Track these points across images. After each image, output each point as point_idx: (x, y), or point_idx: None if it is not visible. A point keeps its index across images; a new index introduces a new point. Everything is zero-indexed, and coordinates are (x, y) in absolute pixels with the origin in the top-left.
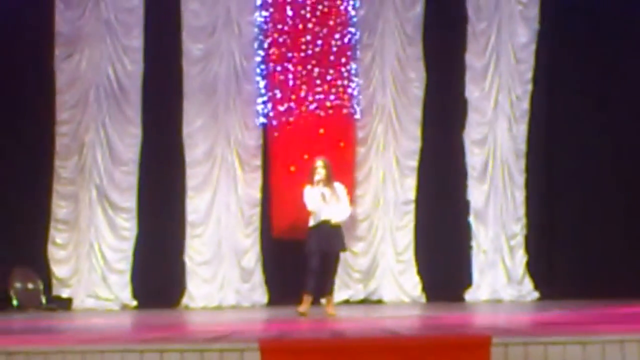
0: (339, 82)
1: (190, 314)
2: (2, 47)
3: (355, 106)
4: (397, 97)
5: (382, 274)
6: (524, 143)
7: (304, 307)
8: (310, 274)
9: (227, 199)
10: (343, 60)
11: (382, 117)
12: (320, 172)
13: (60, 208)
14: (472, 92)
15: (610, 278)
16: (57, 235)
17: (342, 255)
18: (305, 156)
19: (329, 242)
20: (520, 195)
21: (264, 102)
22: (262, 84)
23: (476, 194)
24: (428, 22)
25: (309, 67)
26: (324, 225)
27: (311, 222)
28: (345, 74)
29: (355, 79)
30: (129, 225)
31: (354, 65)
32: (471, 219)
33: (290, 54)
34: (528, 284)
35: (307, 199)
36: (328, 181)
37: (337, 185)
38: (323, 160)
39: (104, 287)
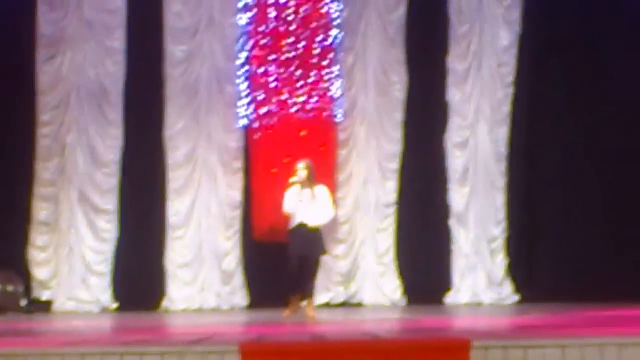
0: (321, 85)
1: (171, 317)
2: None
3: (337, 109)
4: (378, 100)
5: (362, 277)
6: (504, 146)
7: (288, 311)
8: (291, 279)
9: (208, 201)
10: (325, 62)
11: (363, 119)
12: (300, 174)
13: (40, 210)
14: (453, 95)
15: (590, 281)
16: (37, 238)
17: (322, 258)
18: (287, 159)
19: (307, 245)
20: (500, 198)
21: (246, 104)
22: (243, 86)
23: (457, 197)
24: (410, 25)
25: (291, 69)
26: (301, 228)
27: (290, 225)
28: (327, 77)
29: (337, 82)
30: (109, 227)
31: (335, 68)
32: (452, 222)
33: (272, 56)
34: (508, 287)
35: (284, 202)
36: (310, 183)
37: (320, 188)
38: (305, 162)
39: (84, 290)
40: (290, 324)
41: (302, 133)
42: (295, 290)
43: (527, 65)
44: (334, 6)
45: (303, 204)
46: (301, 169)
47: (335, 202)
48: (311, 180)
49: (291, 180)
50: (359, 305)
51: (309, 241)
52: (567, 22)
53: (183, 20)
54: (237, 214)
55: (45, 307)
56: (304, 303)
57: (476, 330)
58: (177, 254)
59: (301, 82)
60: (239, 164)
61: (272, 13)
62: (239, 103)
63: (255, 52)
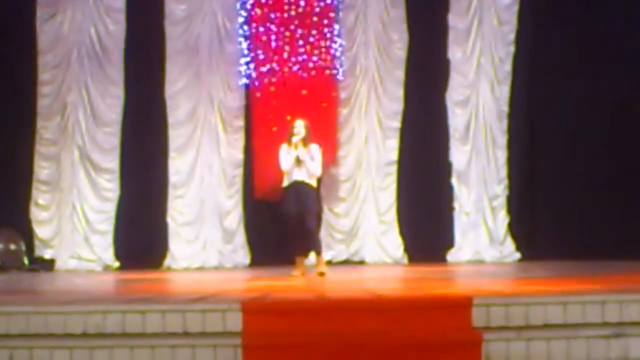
0: (322, 43)
1: (173, 275)
2: None
3: (338, 67)
4: (379, 59)
5: (364, 235)
6: (506, 104)
7: (298, 270)
8: (293, 237)
9: (209, 160)
10: (326, 21)
11: (364, 78)
12: (300, 132)
13: (42, 169)
14: (454, 53)
15: (591, 239)
16: (40, 196)
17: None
18: (288, 117)
19: (304, 202)
20: (502, 156)
21: (247, 63)
22: (244, 44)
23: (458, 155)
24: None
25: (292, 27)
26: (297, 186)
27: (285, 183)
28: (328, 35)
29: (338, 40)
30: (111, 186)
31: (336, 26)
32: (453, 180)
33: (273, 15)
34: (510, 245)
35: (282, 159)
36: (305, 143)
37: (313, 147)
38: (303, 121)
39: (86, 248)
40: (291, 282)
41: (304, 92)
42: (299, 250)
43: (529, 23)
44: None
45: (300, 165)
46: (301, 127)
47: (334, 160)
48: (307, 139)
49: (295, 139)
50: (361, 263)
51: (304, 198)
52: None
53: None
54: (239, 172)
55: (48, 265)
56: (311, 259)
57: (478, 287)
58: (178, 212)
59: (302, 41)
60: (240, 122)
61: None
62: (240, 62)
63: (256, 10)
